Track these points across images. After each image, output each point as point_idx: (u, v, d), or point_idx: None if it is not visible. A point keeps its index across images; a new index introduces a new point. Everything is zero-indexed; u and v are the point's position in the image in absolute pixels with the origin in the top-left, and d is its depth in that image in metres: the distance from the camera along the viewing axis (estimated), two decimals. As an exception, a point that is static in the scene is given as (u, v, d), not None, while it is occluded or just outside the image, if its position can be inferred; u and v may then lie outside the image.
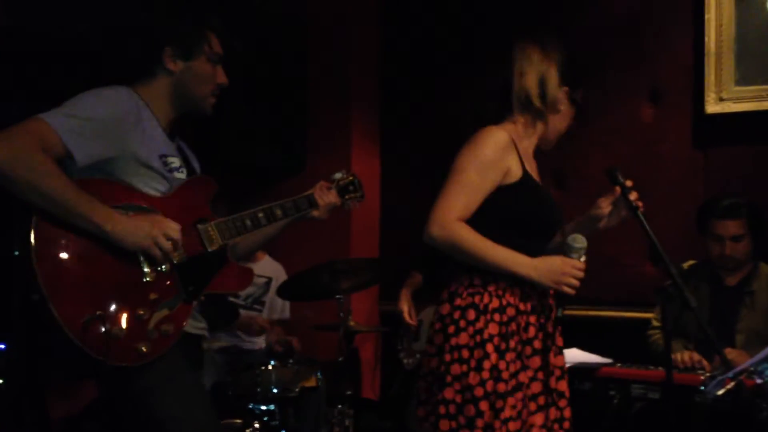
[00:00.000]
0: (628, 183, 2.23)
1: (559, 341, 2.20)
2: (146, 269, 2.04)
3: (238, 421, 3.10)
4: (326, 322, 3.74)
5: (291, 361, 3.28)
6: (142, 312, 2.01)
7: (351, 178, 2.54)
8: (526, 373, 2.11)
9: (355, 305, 4.16)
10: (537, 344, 2.13)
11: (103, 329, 1.93)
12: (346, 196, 2.52)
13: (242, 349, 3.74)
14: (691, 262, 3.33)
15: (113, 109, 2.06)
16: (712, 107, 3.71)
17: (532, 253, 2.11)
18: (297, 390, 3.25)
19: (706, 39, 3.71)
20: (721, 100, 3.70)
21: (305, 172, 4.43)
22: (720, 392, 2.06)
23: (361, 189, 2.57)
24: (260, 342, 3.85)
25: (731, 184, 3.57)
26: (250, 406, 3.24)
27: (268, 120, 4.29)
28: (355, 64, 4.55)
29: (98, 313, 1.94)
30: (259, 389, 3.18)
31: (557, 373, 2.18)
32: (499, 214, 2.11)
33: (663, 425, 2.49)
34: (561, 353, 2.21)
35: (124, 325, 1.98)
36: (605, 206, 2.24)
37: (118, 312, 1.98)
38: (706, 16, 3.71)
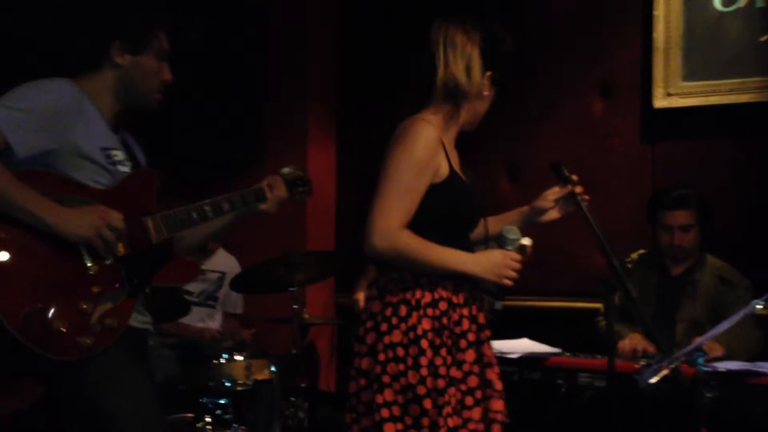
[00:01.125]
0: (574, 177, 2.27)
1: (487, 332, 2.17)
2: (89, 262, 2.03)
3: (190, 415, 3.09)
4: (281, 315, 3.74)
5: (244, 353, 3.27)
6: (85, 305, 2.00)
7: (299, 173, 2.55)
8: (462, 367, 2.07)
9: (311, 298, 4.18)
10: (471, 337, 2.10)
11: (45, 323, 1.92)
12: (295, 190, 2.52)
13: (195, 343, 3.72)
14: (640, 251, 3.40)
15: (54, 101, 2.05)
16: (660, 102, 3.78)
17: (459, 249, 2.08)
18: (250, 383, 3.24)
19: (655, 35, 3.78)
20: (669, 95, 3.77)
21: (262, 166, 4.42)
22: (653, 380, 2.11)
23: (310, 184, 2.57)
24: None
25: (678, 178, 3.65)
26: (203, 400, 3.23)
27: (225, 114, 4.27)
28: (312, 57, 4.55)
29: (39, 306, 1.92)
30: (211, 383, 3.17)
31: (492, 365, 2.15)
32: (428, 212, 2.06)
33: (609, 413, 2.54)
34: (489, 345, 2.17)
35: (66, 318, 1.96)
36: (551, 199, 2.26)
37: (60, 305, 1.97)
38: (655, 13, 3.78)
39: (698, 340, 2.42)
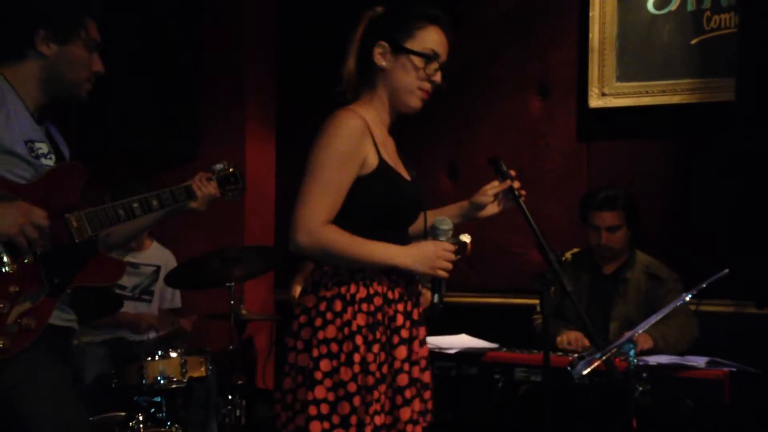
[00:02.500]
0: (512, 173, 2.28)
1: (422, 331, 2.11)
2: (6, 260, 1.95)
3: (122, 413, 3.01)
4: (217, 311, 3.68)
5: (179, 350, 3.21)
6: (0, 305, 1.92)
7: (231, 169, 2.50)
8: (393, 365, 2.01)
9: (249, 293, 4.12)
10: (404, 333, 2.04)
11: None
12: (227, 188, 2.48)
13: (128, 341, 3.63)
14: (575, 250, 3.47)
15: None
16: (595, 102, 3.86)
17: (395, 242, 2.03)
18: (185, 380, 3.18)
19: (590, 36, 3.86)
20: (604, 95, 3.86)
21: (198, 160, 4.34)
22: (585, 372, 2.15)
23: (243, 181, 2.53)
24: (149, 334, 3.74)
25: (612, 176, 3.74)
26: (135, 399, 3.16)
27: (160, 107, 4.19)
28: (251, 50, 4.50)
29: None
30: (144, 381, 3.10)
31: (422, 363, 2.10)
32: (357, 205, 2.00)
33: (544, 406, 2.58)
34: (425, 343, 2.12)
35: None
36: (490, 194, 2.25)
37: None
38: (591, 14, 3.85)
39: (629, 333, 2.48)
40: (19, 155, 2.02)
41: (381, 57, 2.08)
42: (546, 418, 2.29)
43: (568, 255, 3.45)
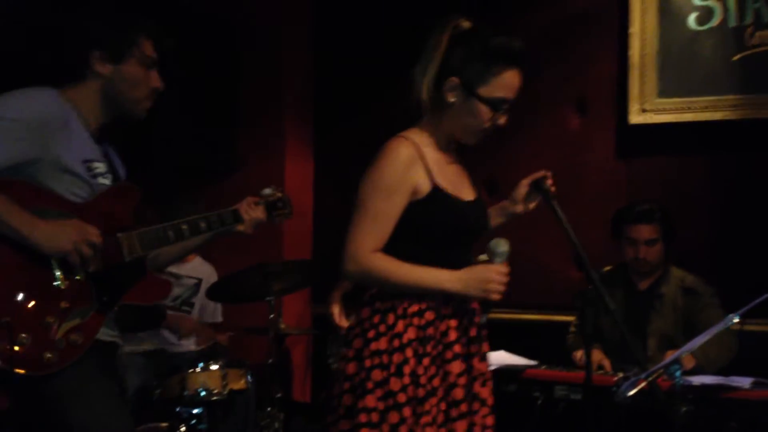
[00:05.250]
0: (550, 183, 2.25)
1: (485, 347, 2.15)
2: (59, 276, 1.99)
3: (164, 424, 3.05)
4: (257, 325, 3.72)
5: (220, 363, 3.24)
6: (51, 320, 1.96)
7: (280, 194, 2.53)
8: (447, 379, 2.04)
9: (287, 308, 4.16)
10: (458, 348, 2.07)
11: (9, 336, 1.88)
12: (274, 213, 2.50)
13: (169, 353, 3.68)
14: (607, 267, 3.44)
15: (38, 111, 2.01)
16: (635, 118, 3.83)
17: (455, 263, 2.05)
18: (225, 393, 3.22)
19: (630, 52, 3.84)
20: (644, 111, 3.83)
21: (238, 174, 4.41)
22: (631, 393, 2.12)
23: (290, 206, 2.55)
24: (189, 344, 3.79)
25: (652, 194, 3.70)
26: (177, 410, 3.19)
27: (199, 121, 4.26)
28: (289, 65, 4.55)
29: (5, 319, 1.89)
30: (186, 392, 3.14)
31: (481, 379, 2.13)
32: (413, 229, 2.04)
33: (584, 425, 2.56)
34: (485, 359, 2.15)
35: (30, 332, 1.93)
36: (525, 183, 2.27)
37: (26, 319, 1.93)
38: (631, 30, 3.84)
39: (676, 353, 2.45)
40: (78, 174, 2.06)
41: (451, 93, 2.06)
42: (587, 437, 2.27)
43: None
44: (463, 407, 2.05)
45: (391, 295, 2.05)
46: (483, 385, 2.13)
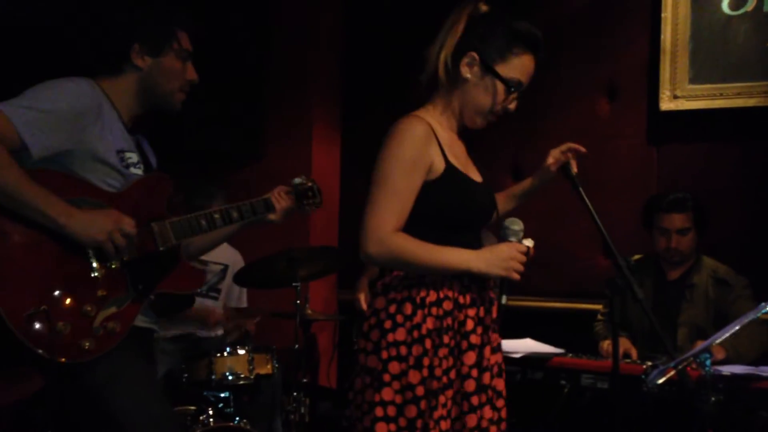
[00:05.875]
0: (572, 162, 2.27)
1: (495, 338, 2.08)
2: (95, 265, 2.02)
3: (192, 408, 3.09)
4: (283, 310, 3.74)
5: (246, 347, 3.27)
6: (88, 308, 1.99)
7: (310, 183, 2.54)
8: (461, 370, 1.99)
9: (313, 293, 4.17)
10: (474, 339, 2.01)
11: (47, 324, 1.91)
12: (304, 202, 2.51)
13: (197, 337, 3.72)
14: (637, 256, 3.40)
15: (74, 102, 2.04)
16: (666, 104, 3.78)
17: (466, 245, 2.01)
18: (252, 377, 3.24)
19: (662, 37, 3.78)
20: (675, 97, 3.77)
21: (264, 161, 4.42)
22: (660, 381, 2.10)
23: (320, 195, 2.56)
24: (216, 330, 3.82)
25: (682, 180, 3.65)
26: (204, 394, 3.23)
27: (227, 107, 4.27)
28: (317, 52, 4.54)
29: (43, 307, 1.92)
30: (213, 376, 3.17)
31: (495, 370, 2.07)
32: (427, 210, 1.98)
33: (611, 414, 2.55)
34: (499, 350, 2.10)
35: (68, 320, 1.96)
36: (555, 156, 2.27)
37: (64, 307, 1.96)
38: (663, 15, 3.78)
39: (706, 342, 2.42)
40: (111, 164, 2.09)
41: (468, 68, 2.04)
42: (613, 426, 2.25)
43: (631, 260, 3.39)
44: (474, 400, 2.00)
45: (406, 284, 1.99)
46: (496, 376, 2.07)
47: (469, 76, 2.04)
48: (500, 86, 2.04)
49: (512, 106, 2.08)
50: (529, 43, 2.05)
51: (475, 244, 2.07)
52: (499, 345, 2.11)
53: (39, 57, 3.44)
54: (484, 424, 2.02)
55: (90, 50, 2.26)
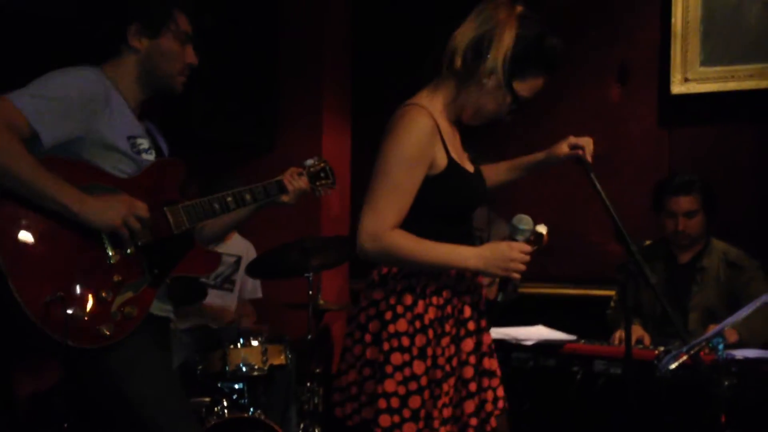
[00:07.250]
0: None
1: (483, 322, 2.09)
2: (110, 251, 2.03)
3: (207, 399, 3.11)
4: (296, 300, 3.75)
5: (260, 338, 3.28)
6: (105, 294, 2.01)
7: (323, 164, 2.53)
8: (460, 358, 1.99)
9: (326, 283, 4.18)
10: (471, 325, 2.02)
11: (65, 310, 1.93)
12: (317, 183, 2.51)
13: (211, 329, 3.74)
14: (648, 241, 3.39)
15: (82, 90, 2.05)
16: (677, 87, 3.76)
17: (460, 238, 2.00)
18: (266, 368, 3.26)
19: (673, 20, 3.75)
20: (687, 80, 3.75)
21: (276, 150, 4.43)
22: (673, 366, 2.09)
23: (333, 176, 2.55)
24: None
25: (695, 164, 3.63)
26: (219, 385, 3.25)
27: (238, 96, 4.27)
28: (327, 41, 4.53)
29: (59, 294, 1.93)
30: (227, 368, 3.19)
31: (489, 351, 2.08)
32: (426, 205, 1.96)
33: (625, 400, 2.55)
34: (487, 331, 2.10)
35: (86, 306, 1.98)
36: (570, 143, 2.25)
37: (81, 293, 1.98)
38: (673, -3, 3.75)
39: (718, 326, 2.41)
40: (122, 151, 2.09)
41: (487, 76, 1.99)
42: (627, 412, 2.25)
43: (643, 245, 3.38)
44: (472, 386, 2.00)
45: (405, 274, 1.97)
46: (491, 356, 2.08)
47: (485, 81, 2.00)
48: (509, 99, 2.03)
49: (509, 118, 2.08)
50: (550, 67, 2.04)
51: (467, 234, 2.07)
52: (488, 326, 2.12)
53: (38, 47, 3.44)
54: (489, 407, 2.04)
55: (87, 32, 2.25)
